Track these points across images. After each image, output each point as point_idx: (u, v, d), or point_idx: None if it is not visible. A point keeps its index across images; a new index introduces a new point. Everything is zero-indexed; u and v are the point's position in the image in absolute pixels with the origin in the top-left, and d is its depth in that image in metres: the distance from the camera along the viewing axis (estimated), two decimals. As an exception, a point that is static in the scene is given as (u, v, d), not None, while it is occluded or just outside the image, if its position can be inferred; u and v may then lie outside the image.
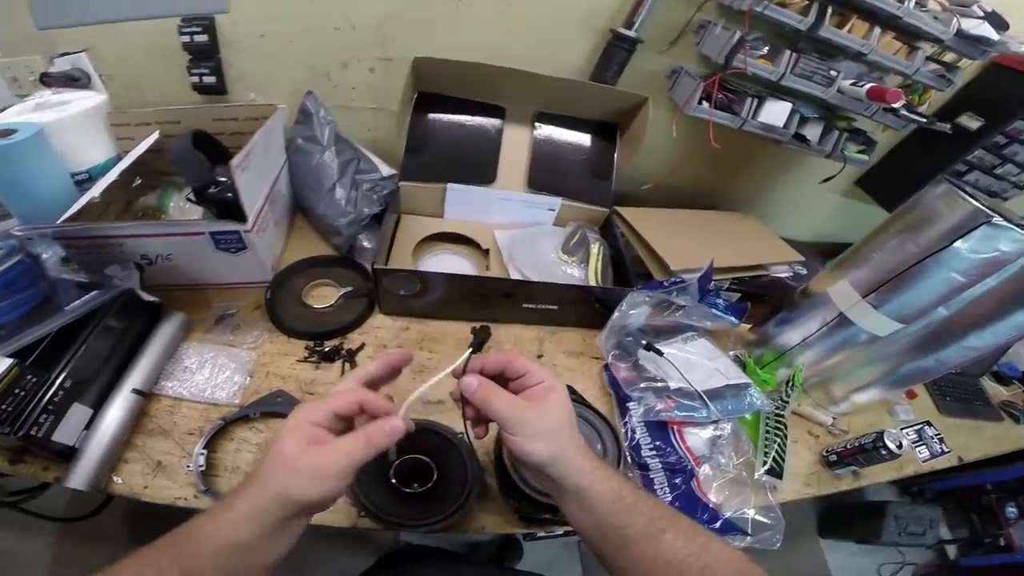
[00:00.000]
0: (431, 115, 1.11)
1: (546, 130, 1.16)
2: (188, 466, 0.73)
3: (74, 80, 1.07)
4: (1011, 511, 1.80)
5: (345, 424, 0.49)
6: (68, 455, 0.68)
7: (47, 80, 1.05)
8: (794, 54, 0.98)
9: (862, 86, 0.98)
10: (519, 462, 0.53)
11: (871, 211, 1.29)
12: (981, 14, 0.94)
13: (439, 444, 0.75)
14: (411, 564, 0.98)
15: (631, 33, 1.02)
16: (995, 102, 1.12)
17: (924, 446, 1.06)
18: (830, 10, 0.93)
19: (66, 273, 0.85)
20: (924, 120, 1.02)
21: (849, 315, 0.89)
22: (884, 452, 0.88)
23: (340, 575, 1.41)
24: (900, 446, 0.87)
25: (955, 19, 0.94)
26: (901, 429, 1.06)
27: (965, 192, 0.75)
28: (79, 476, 0.67)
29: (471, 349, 0.55)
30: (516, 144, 1.15)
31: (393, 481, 0.70)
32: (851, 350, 0.94)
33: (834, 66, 1.01)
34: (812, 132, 1.11)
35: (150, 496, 0.70)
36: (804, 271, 1.19)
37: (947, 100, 1.18)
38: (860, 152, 1.14)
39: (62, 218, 0.79)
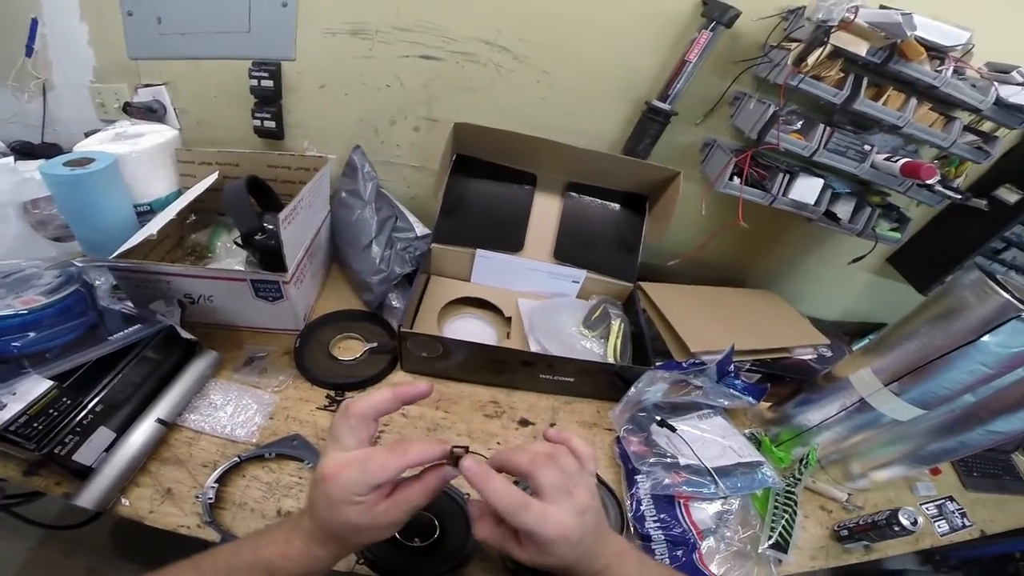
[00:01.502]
0: (467, 178, 1.16)
1: (576, 200, 1.19)
2: (197, 496, 0.75)
3: (152, 111, 1.16)
4: (1042, 579, 1.64)
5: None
6: (84, 474, 0.71)
7: (129, 110, 1.15)
8: (828, 128, 0.98)
9: (896, 161, 0.97)
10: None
11: (903, 290, 1.27)
12: (1021, 80, 0.92)
13: (444, 502, 0.75)
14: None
15: (665, 106, 1.05)
16: None
17: (944, 520, 1.01)
18: (865, 82, 0.93)
19: (115, 302, 0.92)
20: (959, 197, 0.99)
21: (870, 401, 0.87)
22: (897, 529, 0.84)
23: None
24: (915, 523, 0.84)
25: (994, 87, 0.92)
26: (921, 504, 1.02)
27: (996, 281, 0.73)
28: (89, 496, 0.70)
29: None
30: (545, 212, 1.19)
31: (396, 535, 0.71)
32: (871, 431, 0.92)
33: (868, 140, 1.00)
34: (843, 209, 1.09)
35: (153, 521, 0.72)
36: (829, 353, 1.17)
37: (984, 172, 1.14)
38: (893, 230, 1.11)
39: (117, 252, 0.85)
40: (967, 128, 1.00)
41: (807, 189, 1.06)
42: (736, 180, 1.05)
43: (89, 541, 1.43)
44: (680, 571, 0.78)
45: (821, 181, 1.06)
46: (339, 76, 1.14)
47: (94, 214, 0.96)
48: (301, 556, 0.47)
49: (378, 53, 1.10)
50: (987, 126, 1.03)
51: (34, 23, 1.11)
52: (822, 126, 0.98)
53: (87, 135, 1.09)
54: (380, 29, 1.07)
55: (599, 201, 1.20)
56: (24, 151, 1.16)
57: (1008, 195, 1.09)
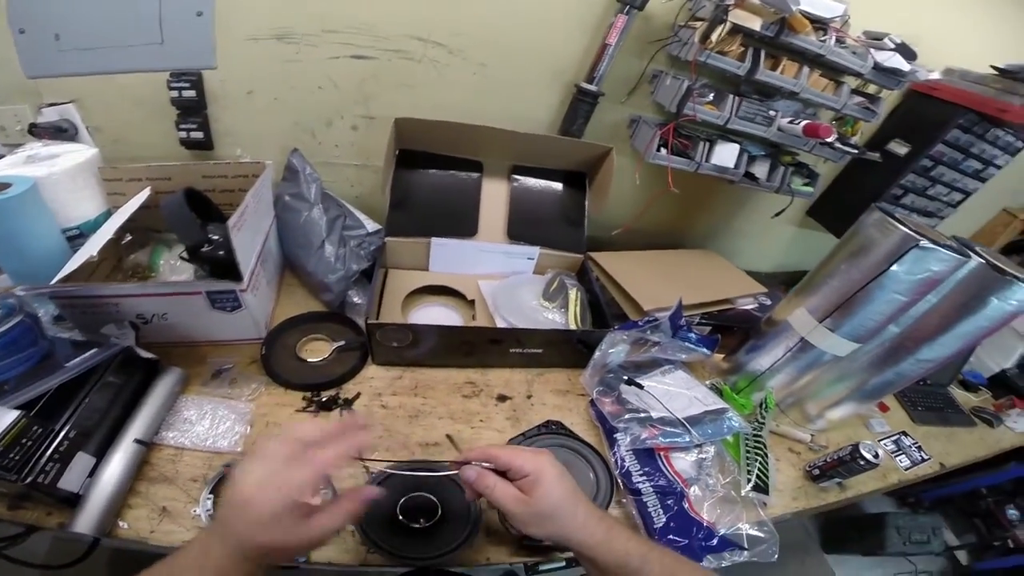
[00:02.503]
0: (413, 171, 1.17)
1: (522, 182, 1.24)
2: (195, 511, 0.73)
3: (62, 131, 1.09)
4: (1012, 513, 1.87)
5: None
6: (73, 501, 0.69)
7: (35, 131, 1.07)
8: (737, 98, 1.09)
9: (798, 123, 1.09)
10: None
11: (824, 239, 1.40)
12: (892, 46, 1.07)
13: (441, 482, 0.77)
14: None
15: (593, 87, 1.12)
16: (918, 128, 1.25)
17: (904, 455, 1.13)
18: (763, 54, 1.04)
19: (61, 331, 0.87)
20: (856, 151, 1.14)
21: (809, 339, 0.97)
22: (862, 462, 0.93)
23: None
24: (876, 456, 0.93)
25: (870, 53, 1.06)
26: (879, 440, 1.13)
27: (895, 218, 0.85)
28: (85, 521, 0.68)
29: None
30: (494, 196, 1.23)
31: (400, 518, 0.73)
32: (818, 370, 1.02)
33: (773, 106, 1.12)
34: (761, 170, 1.21)
35: (157, 540, 0.71)
36: (768, 302, 1.28)
37: (876, 130, 1.32)
38: (805, 185, 1.26)
39: (58, 277, 0.80)
40: (855, 91, 1.15)
41: (726, 154, 1.18)
42: (663, 151, 1.14)
43: None
44: (673, 520, 0.83)
45: (737, 146, 1.17)
46: (267, 81, 1.12)
47: (19, 242, 0.89)
48: (198, 555, 0.49)
49: (306, 56, 1.09)
50: (872, 88, 1.18)
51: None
52: (731, 96, 1.09)
53: (-9, 161, 1.00)
54: (307, 32, 1.07)
55: (543, 181, 1.25)
56: None
57: (898, 148, 1.27)
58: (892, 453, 1.13)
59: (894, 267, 0.83)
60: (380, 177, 1.12)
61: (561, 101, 1.20)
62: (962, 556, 2.04)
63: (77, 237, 0.99)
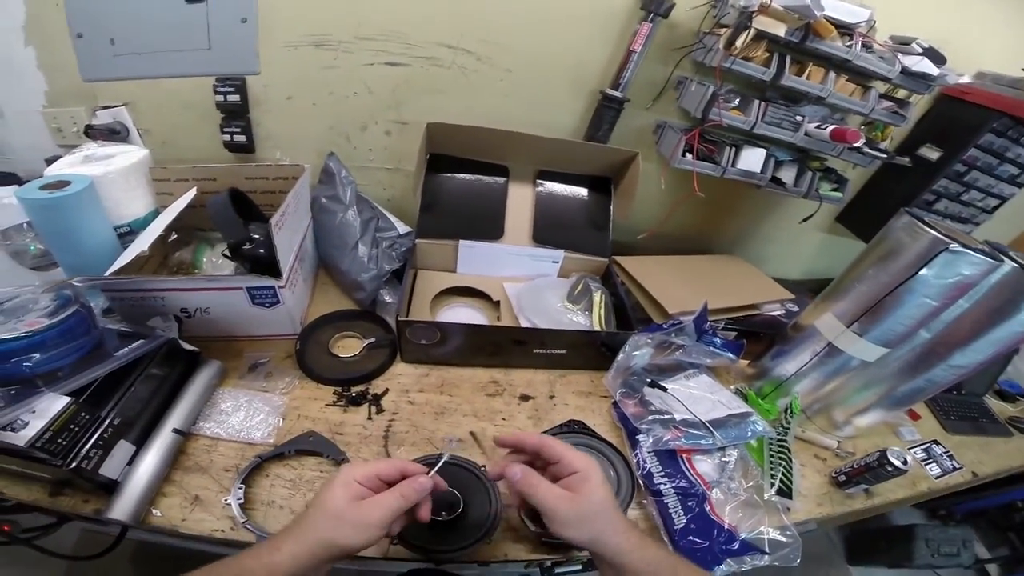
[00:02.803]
0: (442, 175, 1.20)
1: (547, 186, 1.26)
2: (226, 500, 0.76)
3: (115, 133, 1.15)
4: (1048, 526, 1.78)
5: (384, 486, 0.58)
6: (111, 488, 0.72)
7: (91, 132, 1.12)
8: (763, 103, 1.08)
9: (825, 128, 1.08)
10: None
11: (853, 245, 1.39)
12: (920, 51, 1.05)
13: (464, 477, 0.79)
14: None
15: (618, 93, 1.14)
16: (950, 132, 1.22)
17: (934, 463, 1.10)
18: (789, 59, 1.04)
19: (109, 323, 0.92)
20: (885, 156, 1.12)
21: (837, 344, 0.96)
22: (890, 468, 0.90)
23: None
24: (905, 462, 0.91)
25: (898, 57, 1.04)
26: (909, 448, 1.11)
27: (924, 222, 0.83)
28: (121, 508, 0.71)
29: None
30: (520, 201, 1.25)
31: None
32: (845, 376, 1.00)
33: (799, 111, 1.11)
34: (788, 175, 1.21)
35: (188, 528, 0.73)
36: (796, 308, 1.27)
37: (907, 135, 1.29)
38: (834, 190, 1.24)
39: (111, 270, 0.86)
40: (883, 96, 1.13)
41: (752, 159, 1.17)
42: (689, 156, 1.14)
43: (112, 570, 1.40)
44: (694, 522, 0.83)
45: (763, 151, 1.17)
46: (305, 87, 1.17)
47: (76, 237, 0.94)
48: (267, 552, 0.51)
49: (343, 63, 1.14)
50: (901, 93, 1.16)
51: (-27, 51, 1.07)
52: (757, 102, 1.09)
53: (48, 161, 1.05)
54: (343, 40, 1.11)
55: (568, 186, 1.27)
56: None
57: (930, 153, 1.25)
58: (922, 461, 1.10)
59: (923, 271, 0.82)
60: (411, 180, 1.15)
61: (586, 107, 1.22)
62: (992, 570, 1.96)
63: (127, 234, 1.04)
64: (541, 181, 1.26)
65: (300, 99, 1.18)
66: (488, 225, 1.23)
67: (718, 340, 1.07)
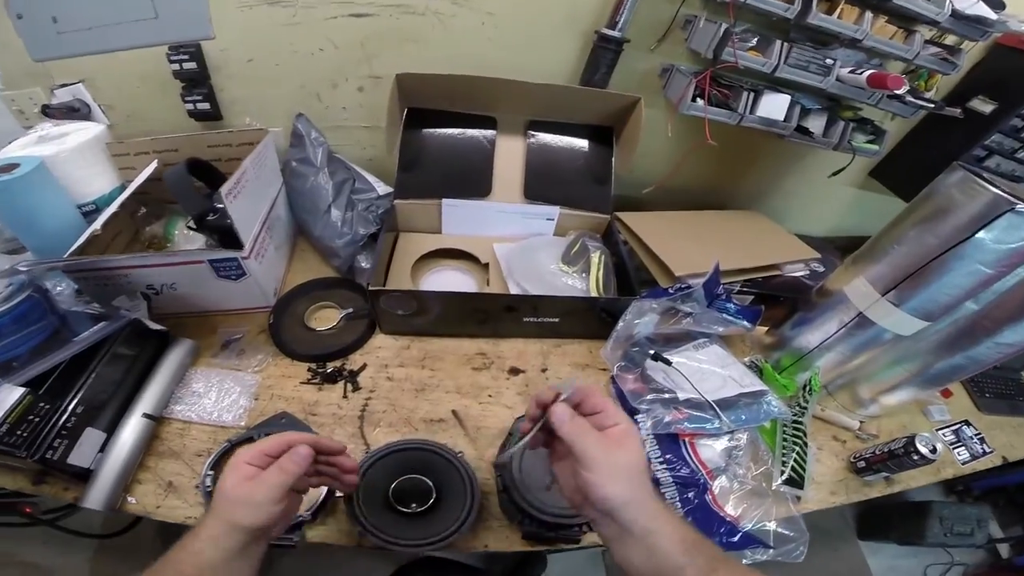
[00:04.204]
0: (423, 130, 1.11)
1: (540, 138, 1.15)
2: (197, 486, 0.75)
3: (75, 111, 1.11)
4: (1068, 507, 1.68)
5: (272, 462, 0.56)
6: (84, 476, 0.71)
7: (49, 112, 1.09)
8: (786, 44, 0.95)
9: (861, 73, 0.95)
10: (586, 502, 0.52)
11: (889, 202, 1.25)
12: None
13: (438, 464, 0.74)
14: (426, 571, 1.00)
15: (615, 33, 1.01)
16: (1006, 85, 1.07)
17: (963, 447, 1.00)
18: None
19: (80, 305, 0.88)
20: (932, 105, 0.98)
21: (868, 315, 0.84)
22: (916, 457, 0.82)
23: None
24: (934, 450, 0.82)
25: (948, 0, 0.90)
26: (936, 430, 1.01)
27: (983, 179, 0.70)
28: (94, 497, 0.70)
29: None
30: (510, 154, 1.15)
31: (391, 501, 0.70)
32: (875, 350, 0.90)
33: (830, 54, 0.98)
34: (816, 124, 1.07)
35: (162, 515, 0.73)
36: (822, 268, 1.15)
37: (956, 84, 1.13)
38: (869, 142, 1.11)
39: (67, 253, 0.83)
40: (930, 42, 0.99)
41: (774, 106, 1.04)
42: (700, 101, 1.02)
43: (142, 543, 1.39)
44: (692, 514, 0.77)
45: (788, 97, 1.03)
46: (266, 47, 1.08)
47: (35, 219, 0.92)
48: (191, 541, 0.50)
49: (303, 18, 1.04)
50: (951, 39, 1.01)
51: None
52: (779, 42, 0.95)
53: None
54: (301, -7, 1.01)
55: (564, 137, 1.15)
56: None
57: (983, 106, 1.09)
58: (951, 444, 1.00)
59: (980, 234, 0.69)
60: (386, 137, 1.07)
61: (580, 50, 1.09)
62: (1003, 549, 1.87)
63: (92, 212, 1.02)
64: (533, 132, 1.15)
65: (262, 61, 1.09)
66: (475, 181, 1.13)
67: (732, 306, 0.97)
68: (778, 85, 1.03)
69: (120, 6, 1.01)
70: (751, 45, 0.98)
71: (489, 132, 1.13)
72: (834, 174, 1.12)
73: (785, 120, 1.04)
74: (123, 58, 1.07)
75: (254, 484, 0.52)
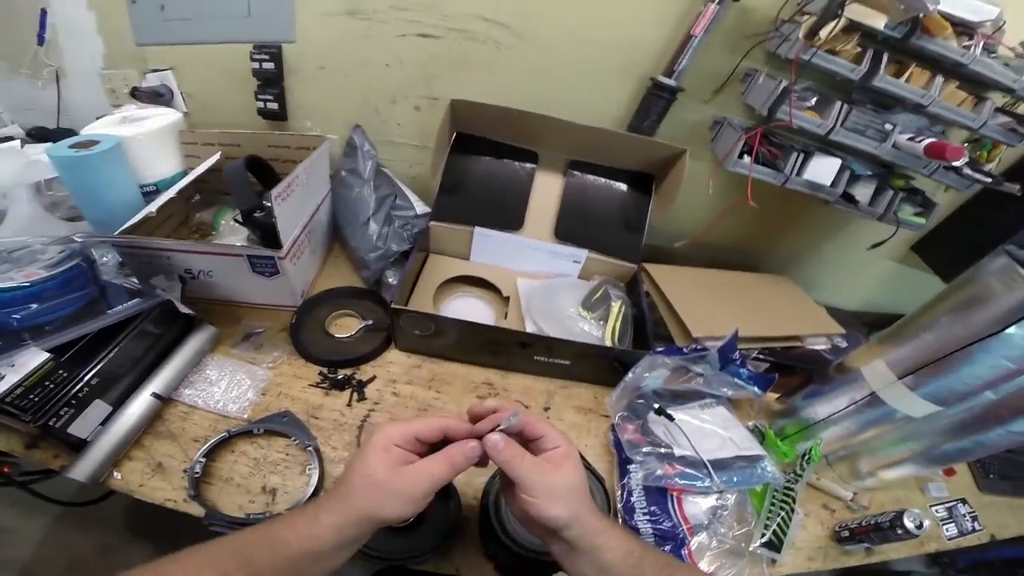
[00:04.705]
0: (467, 156, 1.14)
1: (579, 178, 1.16)
2: (185, 470, 0.76)
3: (159, 96, 1.19)
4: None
5: (422, 447, 0.53)
6: (78, 447, 0.73)
7: (137, 94, 1.17)
8: (846, 106, 0.93)
9: (920, 141, 0.91)
10: (533, 523, 0.54)
11: (928, 281, 1.20)
12: None
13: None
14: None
15: (671, 82, 1.01)
16: None
17: (953, 523, 0.96)
18: (886, 58, 0.88)
19: (120, 278, 0.94)
20: (990, 180, 0.94)
21: (882, 395, 0.82)
22: (900, 532, 0.80)
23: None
24: (920, 526, 0.80)
25: None
26: (930, 506, 0.98)
27: None
28: (81, 469, 0.72)
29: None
30: (547, 190, 1.16)
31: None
32: (883, 428, 0.87)
33: (890, 119, 0.94)
34: (863, 192, 1.04)
35: (142, 494, 0.74)
36: (844, 344, 1.11)
37: (1020, 158, 1.07)
38: (917, 215, 1.05)
39: (120, 230, 0.88)
40: (1000, 110, 0.94)
41: (823, 169, 1.01)
42: (746, 159, 1.00)
43: (104, 518, 1.47)
44: None
45: (839, 161, 1.00)
46: (339, 57, 1.13)
47: (100, 194, 0.98)
48: (306, 524, 0.47)
49: (376, 33, 1.09)
50: (1023, 108, 0.96)
51: (43, 13, 1.14)
52: (839, 103, 0.93)
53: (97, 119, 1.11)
54: (377, 8, 1.06)
55: (603, 180, 1.16)
56: (40, 137, 1.19)
57: None
58: (941, 520, 0.96)
59: (1011, 329, 0.66)
60: (432, 160, 1.10)
61: (632, 94, 1.10)
62: None
63: (152, 193, 1.08)
64: (573, 171, 1.16)
65: (333, 69, 1.15)
66: (508, 214, 1.15)
67: (744, 371, 0.95)
68: (830, 147, 1.01)
69: (221, 1, 1.09)
70: (809, 105, 0.96)
71: (529, 166, 1.15)
72: (874, 246, 1.08)
73: (832, 185, 1.01)
74: (210, 51, 1.15)
75: (414, 474, 0.49)
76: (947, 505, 0.99)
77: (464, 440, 0.53)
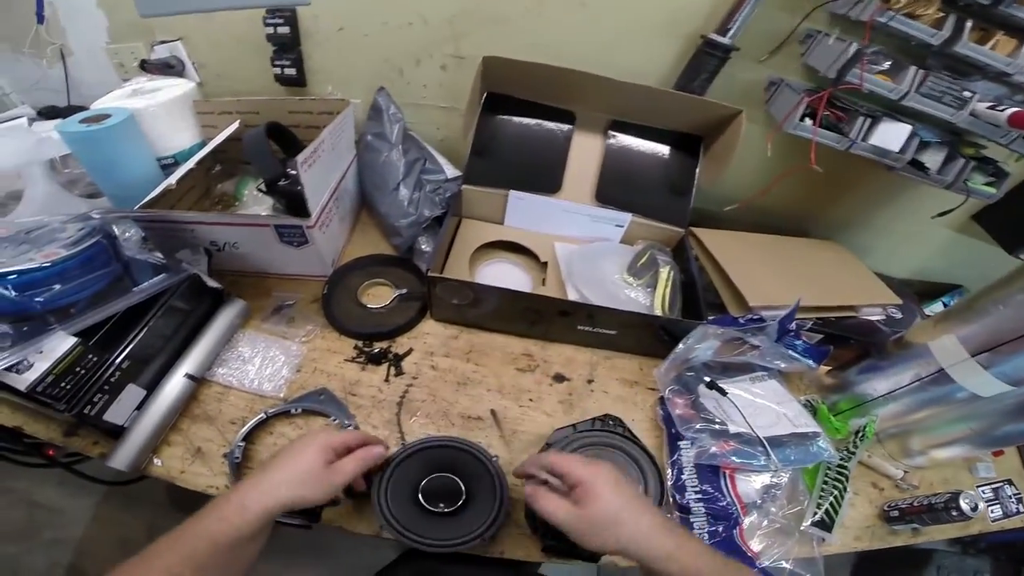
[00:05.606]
0: (499, 117, 1.07)
1: (620, 139, 1.09)
2: (225, 455, 0.74)
3: (170, 67, 1.13)
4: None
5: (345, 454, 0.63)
6: (117, 433, 0.71)
7: (146, 66, 1.12)
8: (921, 71, 0.86)
9: (1002, 110, 0.84)
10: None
11: (986, 250, 1.13)
12: None
13: (471, 465, 0.71)
14: (432, 559, 0.99)
15: (725, 40, 0.93)
16: None
17: (999, 505, 0.94)
18: (970, 24, 0.80)
19: (143, 253, 0.90)
20: None
21: (951, 372, 0.77)
22: (956, 514, 0.78)
23: (363, 566, 1.43)
24: (975, 508, 0.78)
25: None
26: (977, 487, 0.95)
27: None
28: (121, 458, 0.70)
29: None
30: (586, 152, 1.09)
31: (420, 499, 0.68)
32: (942, 407, 0.83)
33: (969, 86, 0.87)
34: (932, 159, 0.96)
35: (184, 481, 0.73)
36: (899, 315, 1.05)
37: None
38: (988, 184, 0.98)
39: (139, 204, 0.84)
40: None
41: (892, 135, 0.93)
42: (808, 121, 0.93)
43: (149, 496, 1.52)
44: (718, 547, 0.73)
45: (908, 127, 0.93)
46: (357, 17, 1.06)
47: (116, 169, 0.95)
48: (236, 514, 0.52)
49: (397, -11, 1.01)
50: None
51: (38, -11, 1.08)
52: (914, 68, 0.86)
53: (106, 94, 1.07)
54: (396, -37, 0.98)
55: (647, 141, 1.09)
56: (51, 115, 1.15)
57: None
58: (988, 501, 0.94)
59: None
60: (463, 119, 1.04)
61: (678, 53, 1.01)
62: None
63: (171, 165, 1.04)
64: (614, 133, 1.09)
65: (352, 30, 1.08)
66: (545, 176, 1.09)
67: (800, 343, 0.90)
68: (899, 113, 0.93)
69: (227, -35, 1.02)
70: (881, 68, 0.89)
71: (566, 126, 1.08)
72: (940, 215, 1.02)
73: (900, 151, 0.94)
74: (221, 18, 1.09)
75: (336, 470, 0.59)
76: (994, 486, 0.96)
77: (370, 446, 0.64)
